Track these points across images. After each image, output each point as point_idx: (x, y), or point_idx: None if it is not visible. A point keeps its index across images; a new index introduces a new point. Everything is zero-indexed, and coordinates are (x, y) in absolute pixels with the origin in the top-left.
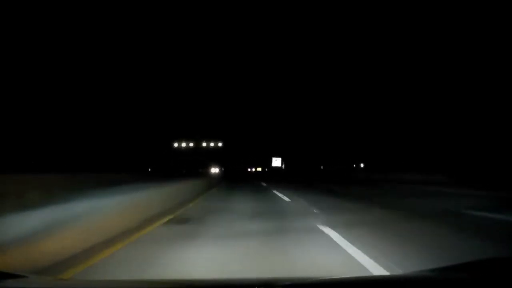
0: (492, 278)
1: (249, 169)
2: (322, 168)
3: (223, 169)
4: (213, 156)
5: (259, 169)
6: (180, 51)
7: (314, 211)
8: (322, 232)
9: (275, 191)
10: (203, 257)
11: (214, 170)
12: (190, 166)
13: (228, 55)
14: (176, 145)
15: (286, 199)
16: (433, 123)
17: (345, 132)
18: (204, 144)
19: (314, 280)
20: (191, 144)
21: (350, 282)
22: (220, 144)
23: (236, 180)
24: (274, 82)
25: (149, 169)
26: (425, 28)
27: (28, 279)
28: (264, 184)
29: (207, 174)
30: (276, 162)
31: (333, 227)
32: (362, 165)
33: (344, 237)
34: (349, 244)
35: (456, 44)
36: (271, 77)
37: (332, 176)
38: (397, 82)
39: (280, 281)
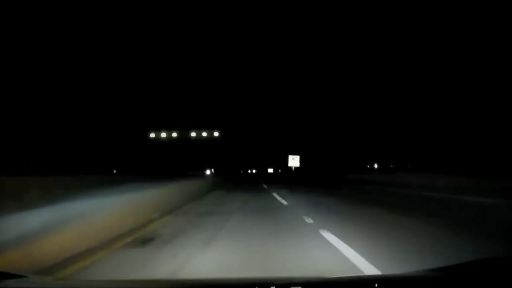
0: (492, 278)
1: (249, 171)
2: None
3: (213, 171)
4: (207, 151)
5: (270, 170)
6: (159, 21)
7: None
8: None
9: None
10: None
11: (208, 172)
12: (175, 168)
13: (226, 30)
14: (153, 135)
15: None
16: (459, 124)
17: (361, 131)
18: (193, 134)
19: (313, 280)
20: (174, 135)
21: (350, 282)
22: (216, 134)
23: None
24: (288, 67)
25: (114, 171)
26: (439, 28)
27: (28, 279)
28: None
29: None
30: (294, 161)
31: None
32: (375, 165)
33: None
34: None
35: (472, 43)
36: (284, 60)
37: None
38: (422, 81)
39: (279, 280)
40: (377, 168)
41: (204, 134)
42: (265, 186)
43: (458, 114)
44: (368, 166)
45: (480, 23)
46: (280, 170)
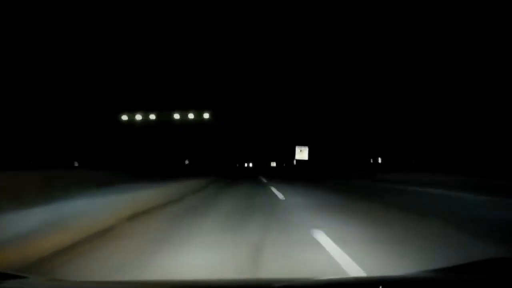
0: (494, 279)
1: (246, 164)
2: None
3: (187, 162)
4: (195, 138)
5: (273, 164)
6: None
7: None
8: None
9: None
10: None
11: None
12: (151, 159)
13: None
14: (125, 118)
15: None
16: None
17: (366, 125)
18: (176, 117)
19: (312, 281)
20: (152, 117)
21: (349, 282)
22: (207, 116)
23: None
24: (294, 50)
25: (76, 164)
26: (441, 28)
27: (28, 279)
28: None
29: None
30: (302, 153)
31: None
32: (379, 160)
33: None
34: None
35: (473, 42)
36: (289, 43)
37: None
38: (428, 78)
39: (279, 281)
40: (381, 163)
41: (191, 116)
42: (276, 193)
43: (462, 112)
44: (371, 161)
45: (480, 23)
46: (284, 165)
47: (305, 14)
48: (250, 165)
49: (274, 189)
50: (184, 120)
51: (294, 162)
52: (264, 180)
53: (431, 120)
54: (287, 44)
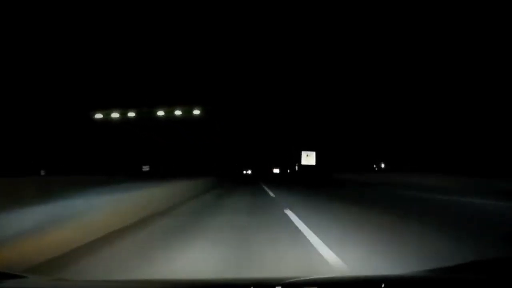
0: (493, 279)
1: (245, 171)
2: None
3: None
4: (185, 137)
5: (276, 170)
6: None
7: None
8: None
9: None
10: None
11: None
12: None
13: None
14: (99, 116)
15: None
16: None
17: (368, 130)
18: (160, 113)
19: (313, 280)
20: (131, 114)
21: (350, 281)
22: (197, 112)
23: None
24: (298, 49)
25: (42, 173)
26: (439, 29)
27: (28, 279)
28: None
29: None
30: (308, 158)
31: None
32: (382, 165)
33: None
34: None
35: (472, 43)
36: (292, 41)
37: None
38: (428, 82)
39: (279, 280)
40: (384, 168)
41: (178, 112)
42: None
43: (462, 115)
44: (375, 166)
45: (480, 23)
46: (288, 171)
47: (315, 18)
48: (249, 172)
49: (293, 217)
50: (170, 116)
51: (296, 167)
52: (272, 194)
53: (432, 126)
54: (289, 45)
